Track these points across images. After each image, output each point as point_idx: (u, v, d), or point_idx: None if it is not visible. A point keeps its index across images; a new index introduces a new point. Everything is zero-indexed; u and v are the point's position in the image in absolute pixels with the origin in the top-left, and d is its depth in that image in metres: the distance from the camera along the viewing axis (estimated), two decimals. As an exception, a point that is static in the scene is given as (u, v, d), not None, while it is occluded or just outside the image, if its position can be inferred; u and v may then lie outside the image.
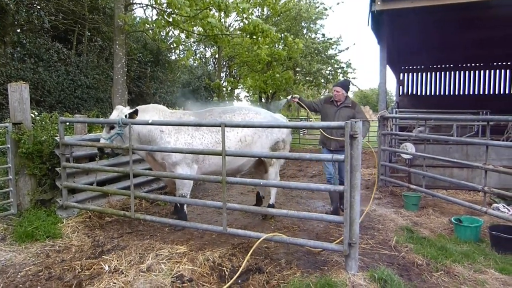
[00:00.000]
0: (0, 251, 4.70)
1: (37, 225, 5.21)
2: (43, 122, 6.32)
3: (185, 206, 5.82)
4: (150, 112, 5.63)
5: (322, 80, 22.89)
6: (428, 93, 17.50)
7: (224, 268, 4.18)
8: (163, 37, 16.79)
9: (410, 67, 17.49)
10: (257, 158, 6.06)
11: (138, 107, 5.59)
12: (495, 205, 6.52)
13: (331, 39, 21.91)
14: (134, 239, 5.16)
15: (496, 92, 16.46)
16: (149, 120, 5.12)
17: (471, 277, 3.99)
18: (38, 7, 14.24)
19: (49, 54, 13.70)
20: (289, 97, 6.66)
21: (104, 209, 5.94)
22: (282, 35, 16.62)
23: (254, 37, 11.04)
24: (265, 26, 10.59)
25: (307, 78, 22.89)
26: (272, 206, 6.28)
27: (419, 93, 17.57)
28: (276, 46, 18.36)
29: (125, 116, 5.33)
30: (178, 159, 5.49)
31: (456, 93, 17.09)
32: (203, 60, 28.79)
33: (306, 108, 6.41)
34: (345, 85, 6.20)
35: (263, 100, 25.29)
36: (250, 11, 10.48)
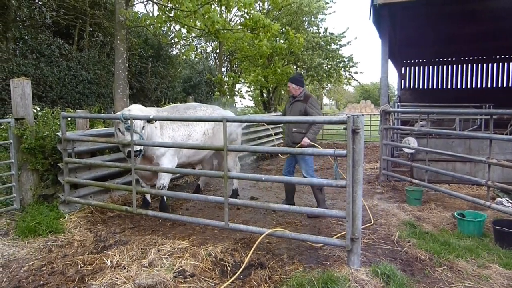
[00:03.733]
0: (3, 246, 4.71)
1: (39, 220, 5.23)
2: (45, 118, 6.34)
3: (164, 198, 6.14)
4: (142, 110, 5.83)
5: (324, 75, 22.78)
6: (430, 87, 17.40)
7: (226, 263, 4.18)
8: (164, 32, 16.77)
9: (412, 61, 17.40)
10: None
11: (130, 108, 5.76)
12: (498, 199, 6.50)
13: (333, 34, 21.79)
14: (136, 234, 5.17)
15: (499, 85, 16.34)
16: (150, 116, 5.12)
17: (475, 272, 3.98)
18: (40, 3, 14.25)
19: (51, 50, 13.69)
20: None
21: (106, 204, 5.95)
22: (283, 29, 16.54)
23: (255, 32, 10.99)
24: (267, 21, 10.54)
25: (309, 73, 22.79)
26: (236, 191, 7.11)
27: (421, 87, 17.49)
28: (278, 40, 18.28)
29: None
30: (165, 150, 5.91)
31: (459, 86, 16.98)
32: (204, 55, 28.71)
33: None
34: (296, 79, 6.03)
35: (264, 95, 25.23)
36: (251, 6, 10.41)
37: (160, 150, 5.86)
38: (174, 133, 6.12)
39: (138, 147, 5.30)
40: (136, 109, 5.67)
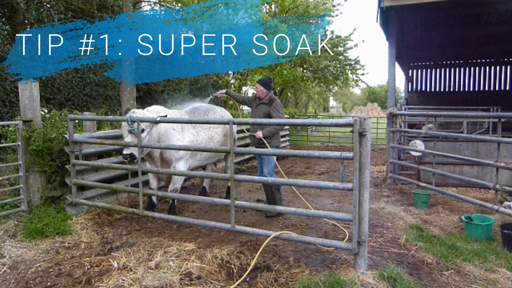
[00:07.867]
0: (11, 247, 4.74)
1: (47, 222, 5.26)
2: (53, 120, 6.36)
3: (175, 201, 6.21)
4: (162, 112, 5.79)
5: (331, 77, 22.79)
6: (437, 90, 17.30)
7: (232, 266, 4.19)
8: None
9: (419, 64, 17.31)
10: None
11: (149, 108, 5.89)
12: (506, 203, 6.42)
13: (340, 36, 21.79)
14: (142, 236, 5.18)
15: (508, 88, 16.20)
16: (156, 118, 5.13)
17: (482, 276, 3.95)
18: (48, 5, 14.35)
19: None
20: (217, 93, 7.10)
21: (113, 206, 5.97)
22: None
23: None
24: (273, 22, 10.57)
25: (315, 75, 22.79)
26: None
27: (428, 90, 17.40)
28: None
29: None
30: (184, 153, 6.03)
31: (466, 89, 16.85)
32: (211, 57, 28.69)
33: (234, 99, 6.92)
34: (265, 82, 6.20)
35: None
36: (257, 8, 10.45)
37: (178, 153, 5.96)
38: (195, 137, 6.26)
39: (128, 151, 5.23)
40: (154, 111, 5.73)
